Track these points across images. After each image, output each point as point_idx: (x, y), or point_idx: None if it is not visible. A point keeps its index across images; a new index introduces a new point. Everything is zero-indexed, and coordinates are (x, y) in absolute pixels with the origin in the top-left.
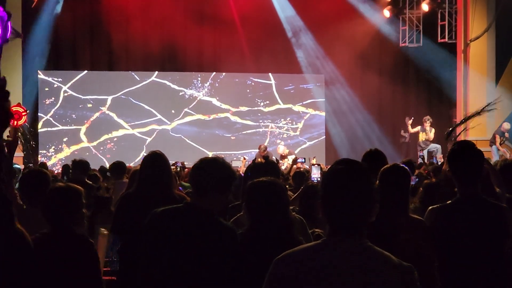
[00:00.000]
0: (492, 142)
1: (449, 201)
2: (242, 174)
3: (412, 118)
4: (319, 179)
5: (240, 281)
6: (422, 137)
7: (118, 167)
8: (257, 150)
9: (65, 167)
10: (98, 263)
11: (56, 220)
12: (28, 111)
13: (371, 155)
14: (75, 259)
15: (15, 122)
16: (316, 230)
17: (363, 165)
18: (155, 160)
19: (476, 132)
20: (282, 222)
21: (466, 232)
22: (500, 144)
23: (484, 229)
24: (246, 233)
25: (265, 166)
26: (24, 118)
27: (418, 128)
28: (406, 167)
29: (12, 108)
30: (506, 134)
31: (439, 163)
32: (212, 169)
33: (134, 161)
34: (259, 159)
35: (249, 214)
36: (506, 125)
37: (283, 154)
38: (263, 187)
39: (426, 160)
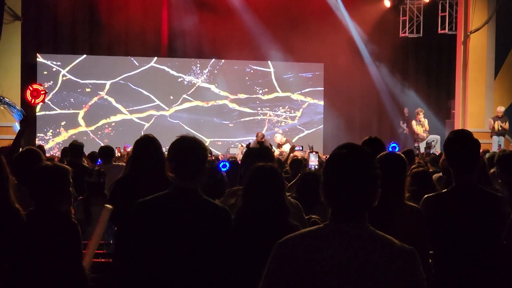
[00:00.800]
0: (492, 130)
1: (445, 190)
2: (239, 161)
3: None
4: (316, 166)
5: (233, 260)
6: (419, 129)
7: (107, 152)
8: (255, 138)
9: (63, 151)
10: (80, 243)
11: (40, 198)
12: (47, 91)
13: (370, 142)
14: (56, 236)
15: (33, 100)
16: (312, 216)
17: (367, 150)
18: (147, 143)
19: (473, 124)
20: (278, 206)
21: (461, 221)
22: (496, 133)
23: (480, 218)
24: (239, 212)
25: (258, 150)
26: (42, 97)
27: (414, 122)
28: (402, 155)
29: (32, 86)
30: (500, 115)
31: (437, 154)
32: (199, 151)
33: (131, 146)
34: (252, 144)
35: (246, 195)
36: (500, 108)
37: (280, 143)
38: (262, 171)
39: (421, 151)
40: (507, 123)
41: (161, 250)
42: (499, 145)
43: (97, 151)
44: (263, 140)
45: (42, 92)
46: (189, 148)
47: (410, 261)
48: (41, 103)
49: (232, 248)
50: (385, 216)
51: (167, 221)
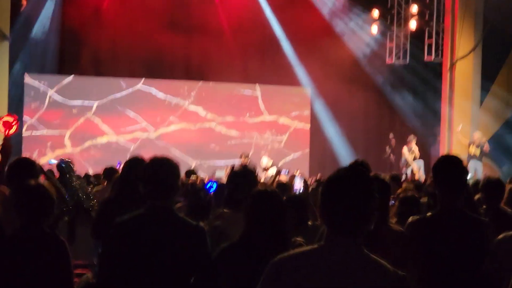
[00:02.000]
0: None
1: (430, 213)
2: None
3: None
4: (301, 190)
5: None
6: (410, 157)
7: (111, 173)
8: (240, 159)
9: (49, 172)
10: (69, 261)
11: (26, 217)
12: (18, 121)
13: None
14: (45, 255)
15: (7, 132)
16: (297, 239)
17: (367, 173)
18: (135, 165)
19: (459, 150)
20: (280, 232)
21: (445, 245)
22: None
23: (464, 243)
24: (242, 239)
25: (243, 172)
26: (14, 128)
27: (405, 149)
28: (386, 179)
29: (2, 118)
30: (478, 142)
31: (421, 181)
32: (171, 170)
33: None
34: (237, 166)
35: (249, 221)
36: (476, 135)
37: (266, 167)
38: (267, 197)
39: (408, 176)
40: (486, 145)
41: (137, 269)
42: (475, 171)
43: (83, 172)
44: (247, 159)
45: (13, 124)
46: (161, 167)
47: (401, 286)
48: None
49: (208, 266)
50: (370, 239)
51: (143, 240)
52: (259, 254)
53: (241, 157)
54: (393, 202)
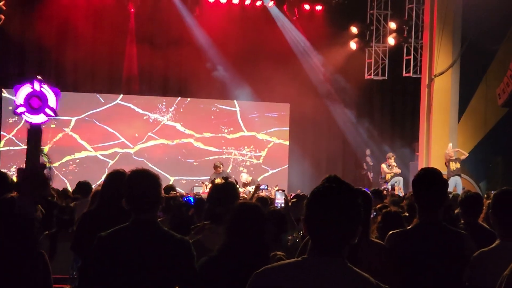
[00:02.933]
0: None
1: (410, 226)
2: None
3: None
4: (283, 204)
5: None
6: (388, 174)
7: (84, 187)
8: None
9: None
10: (49, 272)
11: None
12: None
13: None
14: (23, 267)
15: None
16: (278, 253)
17: (352, 186)
18: (116, 178)
19: (437, 166)
20: (261, 245)
21: (425, 258)
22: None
23: (443, 256)
24: (223, 251)
25: (224, 186)
26: None
27: (384, 165)
28: (368, 192)
29: None
30: (451, 155)
31: (400, 196)
32: (153, 182)
33: (95, 183)
34: (218, 180)
35: (231, 234)
36: (448, 150)
37: (246, 182)
38: (249, 210)
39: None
40: (458, 163)
41: (121, 282)
42: (455, 186)
43: (61, 187)
44: (220, 169)
45: None
46: (143, 180)
47: None
48: None
49: (194, 279)
50: (352, 251)
51: (127, 253)
52: (240, 267)
53: (215, 168)
54: (374, 213)
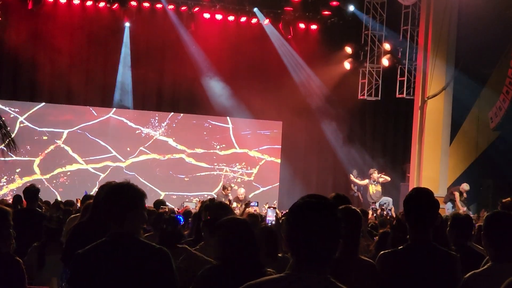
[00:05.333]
0: (451, 199)
1: (401, 247)
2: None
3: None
4: (273, 221)
5: None
6: (372, 189)
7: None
8: (210, 193)
9: (16, 197)
10: (24, 280)
11: None
12: None
13: (337, 199)
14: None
15: None
16: (268, 270)
17: (333, 202)
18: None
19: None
20: (255, 259)
21: (415, 279)
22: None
23: (433, 277)
24: (217, 267)
25: (218, 205)
26: None
27: (367, 181)
28: (358, 210)
29: None
30: (465, 195)
31: (390, 216)
32: (132, 194)
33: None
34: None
35: (223, 249)
36: (466, 186)
37: (240, 198)
38: (238, 224)
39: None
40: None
41: None
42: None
43: (52, 200)
44: (227, 189)
45: None
46: (121, 192)
47: None
48: None
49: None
50: (340, 269)
51: (107, 268)
52: (234, 280)
53: (223, 189)
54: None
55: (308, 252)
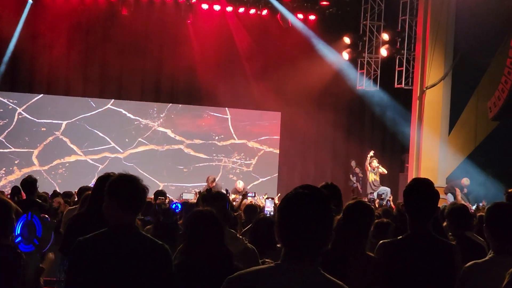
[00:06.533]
0: (452, 192)
1: (400, 237)
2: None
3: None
4: (272, 212)
5: None
6: (372, 177)
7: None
8: (206, 183)
9: (14, 189)
10: (22, 275)
11: None
12: None
13: (326, 188)
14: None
15: None
16: (266, 260)
17: (324, 192)
18: (107, 181)
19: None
20: (219, 249)
21: (414, 268)
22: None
23: (433, 267)
24: (181, 257)
25: (213, 195)
26: None
27: (368, 168)
28: (370, 204)
29: None
30: (465, 190)
31: (389, 206)
32: (137, 186)
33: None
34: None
35: (187, 240)
36: (466, 181)
37: (238, 190)
38: (199, 216)
39: (376, 203)
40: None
41: (100, 287)
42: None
43: (50, 191)
44: (214, 184)
45: None
46: (127, 184)
47: None
48: None
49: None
50: (341, 262)
51: (106, 258)
52: (202, 274)
53: (207, 180)
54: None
55: (298, 244)
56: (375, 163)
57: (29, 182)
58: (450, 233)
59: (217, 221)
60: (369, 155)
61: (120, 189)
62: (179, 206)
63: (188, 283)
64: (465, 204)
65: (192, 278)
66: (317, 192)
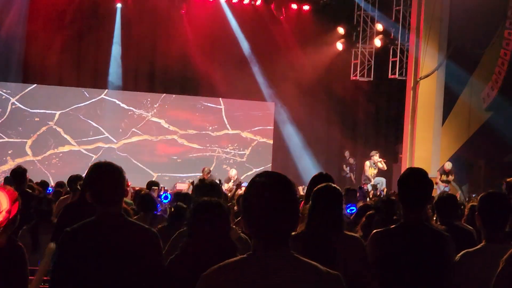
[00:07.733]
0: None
1: (394, 226)
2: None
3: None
4: None
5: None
6: (371, 171)
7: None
8: (201, 174)
9: (6, 180)
10: (26, 267)
11: None
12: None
13: (321, 178)
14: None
15: None
16: None
17: (286, 177)
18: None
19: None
20: (225, 243)
21: (407, 258)
22: (441, 181)
23: (425, 256)
24: (185, 247)
25: (208, 185)
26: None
27: (368, 163)
28: (338, 187)
29: None
30: (451, 176)
31: (383, 196)
32: (117, 175)
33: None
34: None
35: (193, 232)
36: (447, 165)
37: (231, 177)
38: (209, 207)
39: (369, 193)
40: (451, 176)
41: (89, 276)
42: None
43: (43, 181)
44: (209, 175)
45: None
46: (107, 173)
47: (336, 285)
48: None
49: (161, 270)
50: (327, 247)
51: (94, 246)
52: (206, 263)
53: (203, 171)
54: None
55: (265, 231)
56: (376, 157)
57: (18, 173)
58: (438, 222)
59: (225, 212)
60: (371, 154)
61: (95, 182)
62: (169, 196)
63: (190, 274)
64: (456, 193)
65: (194, 270)
66: (280, 177)
